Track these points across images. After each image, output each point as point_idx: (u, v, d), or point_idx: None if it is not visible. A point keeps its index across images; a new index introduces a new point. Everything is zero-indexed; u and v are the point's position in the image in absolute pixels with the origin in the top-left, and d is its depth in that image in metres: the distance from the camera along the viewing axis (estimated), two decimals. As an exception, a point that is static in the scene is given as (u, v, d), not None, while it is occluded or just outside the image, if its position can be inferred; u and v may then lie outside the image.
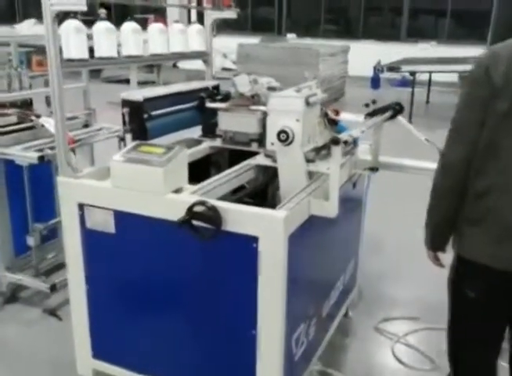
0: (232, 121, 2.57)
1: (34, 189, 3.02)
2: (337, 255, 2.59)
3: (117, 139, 3.30)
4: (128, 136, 2.25)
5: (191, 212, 1.80)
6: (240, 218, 1.79)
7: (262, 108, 2.53)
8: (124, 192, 1.97)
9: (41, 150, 2.81)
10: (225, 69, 14.06)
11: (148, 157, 1.95)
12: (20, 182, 2.99)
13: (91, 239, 2.11)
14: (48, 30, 1.92)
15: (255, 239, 1.79)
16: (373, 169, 2.46)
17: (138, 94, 2.29)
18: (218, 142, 2.67)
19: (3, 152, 2.78)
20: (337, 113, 2.35)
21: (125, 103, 2.22)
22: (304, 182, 2.19)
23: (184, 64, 12.10)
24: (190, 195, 1.93)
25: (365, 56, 11.57)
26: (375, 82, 11.68)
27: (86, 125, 3.42)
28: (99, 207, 2.05)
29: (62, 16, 1.99)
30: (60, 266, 3.31)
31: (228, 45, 14.22)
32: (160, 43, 2.62)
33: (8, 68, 3.03)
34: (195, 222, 1.81)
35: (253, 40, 12.01)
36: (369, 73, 12.51)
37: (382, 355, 2.83)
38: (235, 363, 1.98)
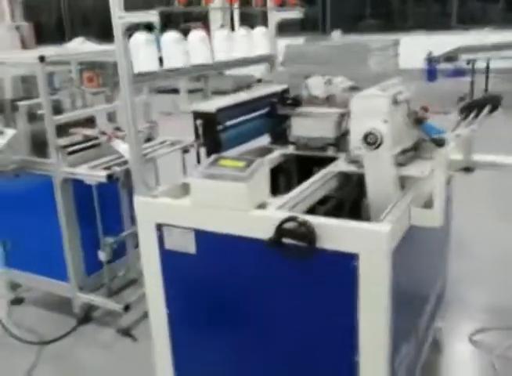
0: (306, 126, 2.42)
1: (102, 207, 2.96)
2: (432, 265, 2.39)
3: (180, 152, 3.29)
4: (202, 150, 2.13)
5: (281, 230, 1.66)
6: (337, 234, 1.63)
7: (340, 110, 2.37)
8: (205, 210, 1.85)
9: (108, 168, 2.76)
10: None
11: (229, 172, 1.82)
12: (88, 200, 2.93)
13: (171, 260, 2.00)
14: (119, 44, 1.82)
15: (355, 256, 1.62)
16: (469, 169, 2.24)
17: (209, 105, 2.17)
18: (290, 150, 2.52)
19: (72, 172, 2.73)
20: (426, 110, 2.15)
21: (198, 114, 2.10)
22: (394, 188, 2.01)
23: (231, 70, 12.07)
24: (276, 210, 1.79)
25: (415, 47, 11.18)
26: (431, 74, 11.26)
27: (149, 139, 3.34)
28: (178, 227, 1.93)
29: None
30: (130, 283, 3.27)
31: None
32: (225, 49, 2.50)
33: (70, 86, 2.99)
34: (285, 240, 1.67)
35: (297, 41, 11.83)
36: (421, 65, 12.10)
37: (483, 370, 2.59)
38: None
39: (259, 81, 13.23)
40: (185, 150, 3.25)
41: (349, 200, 2.21)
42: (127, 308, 2.87)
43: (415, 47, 11.18)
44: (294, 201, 1.89)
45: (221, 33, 2.49)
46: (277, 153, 2.53)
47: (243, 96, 2.40)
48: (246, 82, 11.36)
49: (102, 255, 2.84)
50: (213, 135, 2.12)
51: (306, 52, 9.50)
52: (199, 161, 2.14)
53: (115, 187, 2.98)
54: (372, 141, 1.97)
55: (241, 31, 2.60)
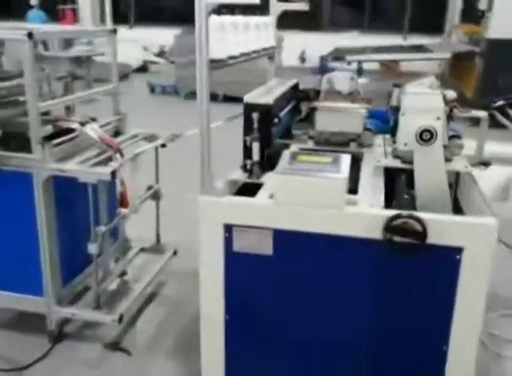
0: (332, 121, 2.39)
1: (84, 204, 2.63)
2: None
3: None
4: (256, 145, 1.99)
5: (392, 227, 1.64)
6: (445, 228, 1.65)
7: (366, 106, 2.40)
8: (290, 208, 1.75)
9: (99, 164, 2.45)
10: (147, 62, 13.52)
11: (319, 168, 1.75)
12: (69, 199, 2.59)
13: (238, 263, 1.86)
14: (202, 26, 1.63)
15: (459, 250, 1.67)
16: (486, 164, 2.42)
17: (262, 96, 2.04)
18: (309, 144, 2.48)
19: (62, 169, 2.36)
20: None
21: (252, 107, 1.96)
22: (445, 182, 2.10)
23: (101, 57, 11.35)
24: (371, 207, 1.77)
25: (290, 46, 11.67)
26: (323, 72, 11.83)
27: (117, 133, 3.03)
28: (253, 228, 1.80)
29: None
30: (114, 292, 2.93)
31: (144, 37, 13.70)
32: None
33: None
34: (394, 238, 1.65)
35: (172, 31, 11.54)
36: (296, 62, 12.69)
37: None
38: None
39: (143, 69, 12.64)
40: (163, 145, 3.02)
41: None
42: (121, 319, 2.59)
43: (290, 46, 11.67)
44: (367, 197, 1.87)
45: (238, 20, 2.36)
46: (294, 148, 2.47)
47: (279, 88, 2.30)
48: (122, 72, 10.85)
49: (93, 248, 2.48)
50: (269, 128, 2.01)
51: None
52: (249, 156, 2.00)
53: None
54: (427, 138, 2.04)
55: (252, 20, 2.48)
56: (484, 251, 1.66)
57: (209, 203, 1.82)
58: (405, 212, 1.65)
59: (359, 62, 8.83)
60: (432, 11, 12.54)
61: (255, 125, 1.98)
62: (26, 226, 2.48)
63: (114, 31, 2.93)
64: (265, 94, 2.13)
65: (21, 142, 2.45)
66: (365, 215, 1.70)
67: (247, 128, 2.01)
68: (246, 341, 1.95)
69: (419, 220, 1.63)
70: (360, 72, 8.51)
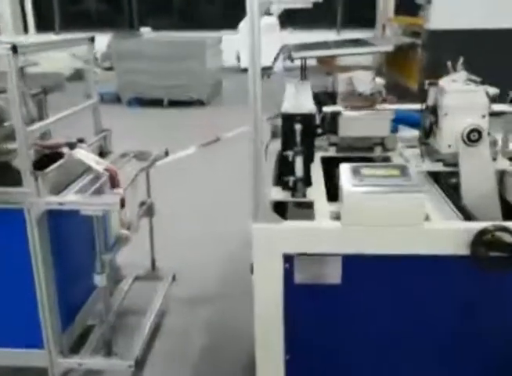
0: (357, 126, 2.22)
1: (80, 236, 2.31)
2: None
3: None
4: (299, 159, 1.77)
5: (484, 241, 1.48)
6: (532, 238, 1.52)
7: (391, 107, 2.24)
8: (362, 230, 1.55)
9: (98, 191, 2.14)
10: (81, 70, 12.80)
11: (389, 182, 1.56)
12: (63, 232, 2.26)
13: (300, 295, 1.64)
14: (255, 31, 1.39)
15: (547, 259, 1.54)
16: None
17: (299, 105, 1.82)
18: (331, 152, 2.30)
19: (61, 202, 2.02)
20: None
21: (293, 117, 1.74)
22: (494, 183, 1.98)
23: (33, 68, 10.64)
24: (449, 222, 1.61)
25: (229, 46, 11.44)
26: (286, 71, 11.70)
27: (101, 153, 2.70)
28: (318, 255, 1.59)
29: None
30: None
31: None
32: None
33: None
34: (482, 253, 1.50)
35: (101, 37, 10.98)
36: (233, 63, 12.48)
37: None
38: None
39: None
40: (155, 160, 2.73)
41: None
42: (137, 364, 2.28)
43: (228, 45, 11.44)
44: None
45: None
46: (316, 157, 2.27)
47: (304, 93, 2.09)
48: (55, 81, 10.21)
49: (101, 279, 2.15)
50: (312, 140, 1.80)
51: (136, 49, 8.90)
52: (291, 172, 1.78)
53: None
54: (475, 138, 1.91)
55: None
56: None
57: (264, 230, 1.59)
58: (494, 223, 1.51)
59: (304, 58, 8.75)
60: (364, 5, 12.74)
61: (297, 138, 1.76)
62: (19, 270, 2.12)
63: (92, 40, 2.61)
64: (298, 102, 1.92)
65: (5, 173, 2.10)
66: (449, 231, 1.54)
67: (286, 141, 1.79)
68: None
69: (510, 231, 1.49)
70: (304, 70, 8.45)
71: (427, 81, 2.07)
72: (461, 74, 2.14)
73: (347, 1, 13.08)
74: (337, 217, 1.64)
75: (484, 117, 1.93)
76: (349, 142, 2.28)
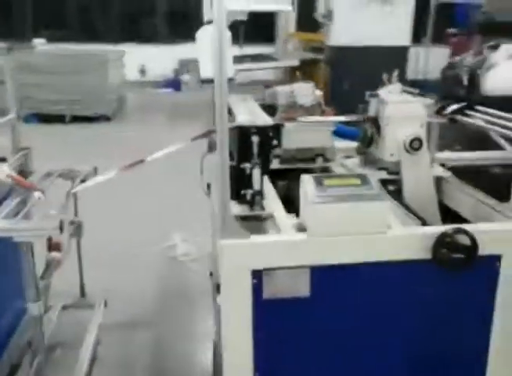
0: (301, 138, 2.23)
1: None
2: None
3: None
4: (257, 172, 1.74)
5: (442, 244, 1.54)
6: (485, 238, 1.61)
7: (333, 118, 2.29)
8: (329, 240, 1.55)
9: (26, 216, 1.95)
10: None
11: (352, 191, 1.57)
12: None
13: (269, 311, 1.59)
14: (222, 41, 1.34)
15: (498, 258, 1.64)
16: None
17: (258, 117, 1.79)
18: (275, 163, 2.28)
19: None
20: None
21: (249, 129, 1.70)
22: (433, 189, 2.08)
23: None
24: (411, 228, 1.66)
25: (130, 59, 11.17)
26: (177, 84, 11.58)
27: (22, 171, 2.48)
28: (286, 269, 1.56)
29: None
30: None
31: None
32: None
33: None
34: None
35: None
36: (135, 77, 12.22)
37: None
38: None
39: None
40: (83, 181, 2.56)
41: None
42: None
43: (130, 59, 11.17)
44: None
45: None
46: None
47: (251, 106, 2.05)
48: None
49: (36, 308, 1.94)
50: (269, 152, 1.77)
51: (32, 62, 8.38)
52: (248, 186, 1.74)
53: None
54: (417, 146, 2.00)
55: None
56: (521, 256, 1.66)
57: (232, 247, 1.53)
58: (453, 227, 1.58)
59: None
60: (264, 21, 13.05)
61: (255, 150, 1.73)
62: None
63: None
64: (252, 114, 1.89)
65: None
66: (412, 236, 1.59)
67: (243, 154, 1.75)
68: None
69: (467, 233, 1.56)
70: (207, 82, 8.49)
71: (367, 93, 2.14)
72: (396, 86, 2.24)
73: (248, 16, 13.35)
74: (300, 229, 1.63)
75: (422, 126, 2.03)
76: (292, 153, 2.29)
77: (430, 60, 11.71)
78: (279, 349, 1.65)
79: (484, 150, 2.40)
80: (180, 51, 12.13)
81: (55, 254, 2.24)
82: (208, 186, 2.70)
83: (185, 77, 10.95)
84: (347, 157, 2.41)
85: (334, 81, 7.99)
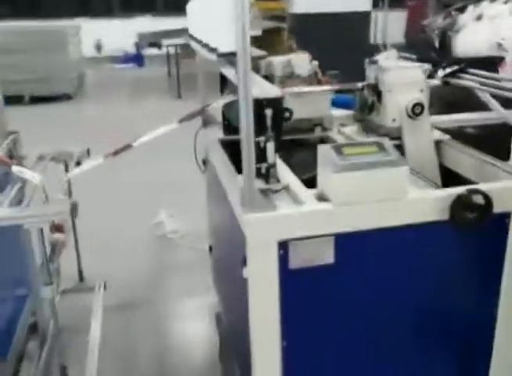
0: (300, 108, 2.23)
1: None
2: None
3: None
4: (270, 145, 1.73)
5: (462, 204, 1.60)
6: (497, 196, 1.67)
7: (330, 87, 2.29)
8: (351, 208, 1.58)
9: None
10: None
11: (372, 159, 1.60)
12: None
13: (296, 281, 1.62)
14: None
15: (508, 215, 1.71)
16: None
17: (271, 89, 1.77)
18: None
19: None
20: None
21: (262, 102, 1.69)
22: (434, 152, 2.14)
23: None
24: (428, 191, 1.72)
25: (85, 35, 10.76)
26: (140, 60, 11.23)
27: (11, 157, 2.39)
28: (311, 238, 1.58)
29: None
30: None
31: None
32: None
33: None
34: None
35: None
36: (92, 53, 11.84)
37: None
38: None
39: None
40: (78, 163, 2.50)
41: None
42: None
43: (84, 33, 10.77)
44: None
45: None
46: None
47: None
48: None
49: (49, 291, 1.91)
50: (281, 125, 1.76)
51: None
52: (263, 159, 1.74)
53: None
54: (418, 111, 2.04)
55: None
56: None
57: (259, 220, 1.54)
58: (468, 188, 1.63)
59: (177, 46, 8.59)
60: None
61: (268, 123, 1.72)
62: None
63: None
64: (261, 86, 1.87)
65: None
66: (430, 199, 1.63)
67: (257, 127, 1.74)
68: (308, 370, 1.74)
69: (483, 193, 1.62)
70: (177, 57, 8.33)
71: (366, 60, 2.15)
72: (392, 52, 2.27)
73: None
74: (321, 198, 1.65)
75: (422, 91, 2.07)
76: (291, 124, 2.29)
77: (389, 24, 11.87)
78: (306, 318, 1.68)
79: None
80: (137, 24, 11.79)
81: (58, 235, 2.20)
82: (204, 162, 2.70)
83: (148, 51, 10.64)
84: (343, 125, 2.43)
85: (299, 49, 7.93)
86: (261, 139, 1.74)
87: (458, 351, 1.86)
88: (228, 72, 2.17)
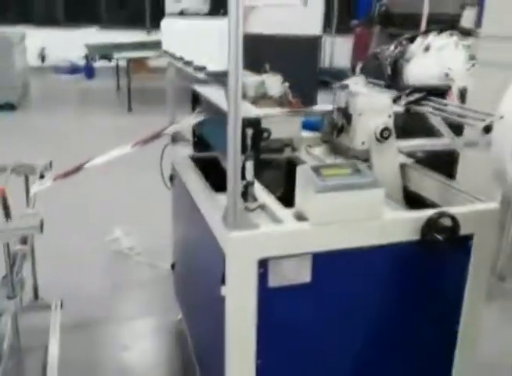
0: (273, 128, 2.27)
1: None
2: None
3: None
4: (250, 163, 1.76)
5: (432, 227, 1.68)
6: (462, 218, 1.77)
7: (301, 109, 2.35)
8: (329, 228, 1.63)
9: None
10: None
11: (348, 180, 1.66)
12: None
13: (273, 298, 1.64)
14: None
15: (471, 236, 1.81)
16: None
17: (250, 109, 1.80)
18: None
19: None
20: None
21: (245, 122, 1.71)
22: (399, 176, 2.23)
23: None
24: (402, 212, 1.79)
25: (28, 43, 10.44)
26: (90, 71, 10.95)
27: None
28: (290, 257, 1.61)
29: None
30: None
31: None
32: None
33: None
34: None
35: None
36: (36, 62, 11.47)
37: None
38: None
39: None
40: (42, 176, 2.42)
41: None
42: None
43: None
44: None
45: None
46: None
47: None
48: None
49: (11, 305, 1.81)
50: (259, 144, 1.79)
51: None
52: (243, 177, 1.76)
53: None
54: (386, 135, 2.14)
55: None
56: (490, 235, 1.85)
57: (241, 238, 1.56)
58: (437, 210, 1.72)
59: (128, 60, 8.50)
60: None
61: (248, 142, 1.75)
62: None
63: None
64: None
65: None
66: (404, 219, 1.71)
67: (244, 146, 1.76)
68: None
69: (451, 216, 1.71)
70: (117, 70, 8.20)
71: (336, 84, 2.23)
72: (361, 78, 2.36)
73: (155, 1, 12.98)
74: (300, 217, 1.69)
75: (390, 116, 2.17)
76: (264, 144, 2.33)
77: (336, 49, 12.28)
78: (281, 336, 1.70)
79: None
80: (83, 34, 11.56)
81: (21, 247, 2.13)
82: (171, 177, 2.68)
83: (97, 63, 10.44)
84: (309, 145, 2.50)
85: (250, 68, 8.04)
86: (241, 157, 1.77)
87: (422, 365, 1.94)
88: (207, 90, 2.20)
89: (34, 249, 2.57)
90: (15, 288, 1.86)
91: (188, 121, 2.35)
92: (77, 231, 3.80)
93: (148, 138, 2.08)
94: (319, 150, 2.41)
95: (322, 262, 1.66)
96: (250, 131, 1.75)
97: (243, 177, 1.79)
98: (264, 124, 2.20)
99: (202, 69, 1.67)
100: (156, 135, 2.17)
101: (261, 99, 2.33)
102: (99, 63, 10.85)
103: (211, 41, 1.56)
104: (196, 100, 2.38)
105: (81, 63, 11.41)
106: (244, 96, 2.32)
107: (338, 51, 12.19)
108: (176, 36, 2.14)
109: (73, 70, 11.69)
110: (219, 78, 1.59)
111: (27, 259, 2.10)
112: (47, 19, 12.29)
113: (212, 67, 1.60)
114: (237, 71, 1.41)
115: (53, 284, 2.88)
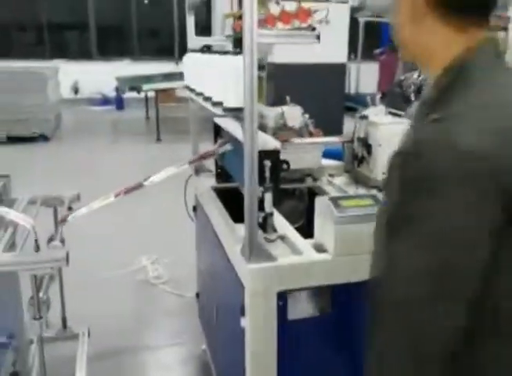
0: (293, 159, 2.30)
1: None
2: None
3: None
4: (268, 195, 1.78)
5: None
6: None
7: (322, 139, 2.38)
8: (349, 260, 1.63)
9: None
10: None
11: (370, 211, 1.66)
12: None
13: (294, 332, 1.64)
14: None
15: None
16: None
17: (269, 141, 1.83)
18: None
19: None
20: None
21: (263, 154, 1.74)
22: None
23: None
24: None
25: (62, 76, 10.82)
26: (120, 103, 11.31)
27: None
28: (309, 289, 1.62)
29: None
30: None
31: None
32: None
33: None
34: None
35: None
36: (68, 95, 11.86)
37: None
38: None
39: None
40: (70, 208, 2.49)
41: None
42: None
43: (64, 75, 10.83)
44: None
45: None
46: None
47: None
48: None
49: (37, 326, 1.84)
50: (279, 176, 1.82)
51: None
52: (262, 208, 1.78)
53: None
54: (407, 165, 2.13)
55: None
56: None
57: (260, 270, 1.57)
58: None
59: (156, 91, 8.72)
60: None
61: (267, 174, 1.78)
62: None
63: None
64: (261, 137, 1.93)
65: None
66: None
67: (262, 178, 1.79)
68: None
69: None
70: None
71: (357, 115, 2.25)
72: (381, 108, 2.38)
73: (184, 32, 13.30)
74: (319, 249, 1.70)
75: (408, 146, 2.17)
76: (284, 174, 2.35)
77: (362, 76, 12.33)
78: (301, 367, 1.70)
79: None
80: (115, 67, 11.93)
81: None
82: (194, 208, 2.72)
83: (127, 95, 10.72)
84: (331, 175, 2.51)
85: (277, 96, 8.15)
86: (260, 189, 1.79)
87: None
88: (228, 124, 2.25)
89: (62, 280, 2.63)
90: (40, 309, 1.89)
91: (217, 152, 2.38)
92: (104, 260, 3.86)
93: (202, 155, 2.27)
94: (340, 180, 2.42)
95: (342, 293, 1.65)
96: (268, 163, 1.78)
97: (262, 208, 1.81)
98: (283, 156, 2.26)
99: (219, 104, 1.72)
100: (210, 154, 2.27)
101: (280, 130, 2.36)
102: (129, 94, 11.13)
103: (228, 77, 1.61)
104: (217, 131, 2.43)
105: (112, 94, 11.73)
106: (265, 128, 2.38)
107: (364, 77, 12.22)
108: (195, 71, 2.20)
109: (105, 101, 12.03)
110: (235, 114, 1.63)
111: (54, 280, 2.14)
112: (81, 54, 12.75)
113: (229, 103, 1.64)
114: (252, 107, 1.44)
115: (80, 314, 2.92)
